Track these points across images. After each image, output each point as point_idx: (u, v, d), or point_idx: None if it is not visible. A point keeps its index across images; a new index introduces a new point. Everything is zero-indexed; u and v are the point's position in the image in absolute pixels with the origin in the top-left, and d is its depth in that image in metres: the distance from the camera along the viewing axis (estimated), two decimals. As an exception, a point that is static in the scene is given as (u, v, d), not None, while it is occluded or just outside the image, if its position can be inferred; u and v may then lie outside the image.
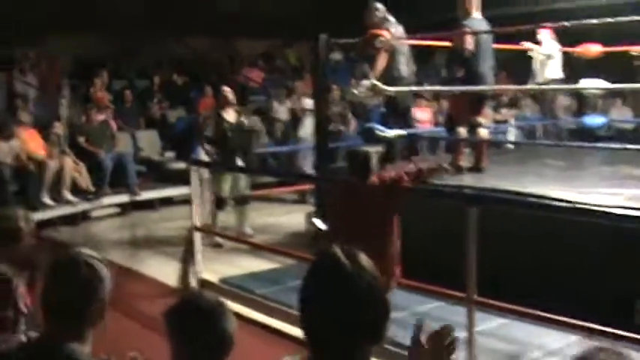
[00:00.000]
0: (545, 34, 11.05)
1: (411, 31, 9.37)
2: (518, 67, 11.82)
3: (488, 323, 5.82)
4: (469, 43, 8.01)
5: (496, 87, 8.93)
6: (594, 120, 11.26)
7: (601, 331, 4.44)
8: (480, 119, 8.43)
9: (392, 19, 9.11)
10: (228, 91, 9.97)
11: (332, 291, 1.99)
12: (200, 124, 10.75)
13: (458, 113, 8.43)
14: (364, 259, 2.06)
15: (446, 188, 6.27)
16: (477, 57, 8.05)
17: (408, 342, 2.14)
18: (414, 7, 9.70)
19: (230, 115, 9.83)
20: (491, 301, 5.18)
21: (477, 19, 8.14)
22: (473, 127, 8.30)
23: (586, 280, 5.86)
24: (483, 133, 8.49)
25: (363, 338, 2.00)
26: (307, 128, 12.57)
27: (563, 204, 5.59)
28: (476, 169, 8.22)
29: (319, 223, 6.16)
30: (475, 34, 7.99)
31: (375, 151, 5.72)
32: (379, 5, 9.11)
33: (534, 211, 5.48)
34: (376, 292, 2.03)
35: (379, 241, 4.94)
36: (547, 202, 5.52)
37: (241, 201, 9.78)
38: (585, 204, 5.49)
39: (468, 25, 8.07)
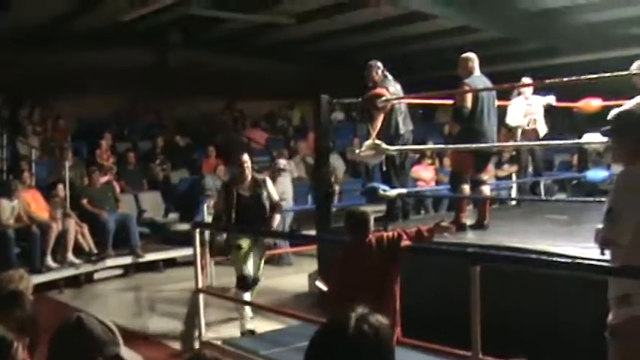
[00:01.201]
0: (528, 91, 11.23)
1: (407, 89, 9.46)
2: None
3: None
4: (468, 100, 8.09)
5: (497, 144, 8.96)
6: (597, 174, 11.25)
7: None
8: (483, 176, 8.47)
9: (390, 77, 9.22)
10: (246, 161, 8.38)
11: (333, 354, 2.00)
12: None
13: (461, 170, 8.46)
14: (376, 320, 2.09)
15: (449, 246, 6.22)
16: (478, 114, 8.11)
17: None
18: (409, 66, 9.78)
19: (245, 188, 8.34)
20: (497, 360, 5.14)
21: (477, 76, 8.22)
22: (476, 184, 8.33)
23: (592, 339, 5.82)
24: (486, 189, 8.52)
25: None
26: (284, 187, 12.66)
27: (566, 260, 5.56)
28: (479, 226, 8.23)
29: (322, 285, 6.13)
30: (475, 91, 8.06)
31: (373, 210, 5.71)
32: (379, 64, 9.23)
33: (537, 268, 5.45)
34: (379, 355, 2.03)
35: (379, 301, 4.90)
36: (550, 258, 5.47)
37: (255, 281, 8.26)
38: (587, 259, 5.45)
39: (468, 82, 8.15)
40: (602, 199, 9.24)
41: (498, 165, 14.58)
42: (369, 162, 10.08)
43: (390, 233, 5.51)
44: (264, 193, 8.37)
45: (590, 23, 14.07)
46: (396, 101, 9.06)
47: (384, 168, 9.19)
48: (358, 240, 5.41)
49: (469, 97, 8.11)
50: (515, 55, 16.23)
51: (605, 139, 7.86)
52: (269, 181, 8.62)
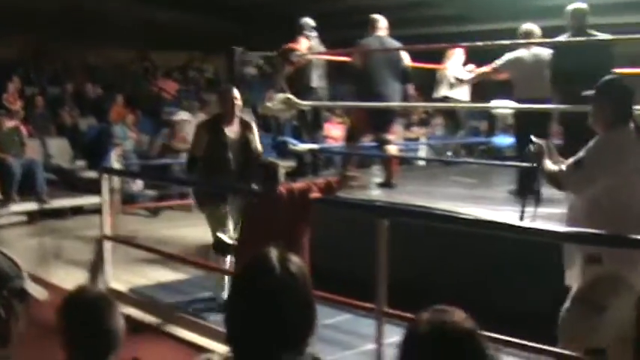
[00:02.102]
0: (458, 56, 11.30)
1: (327, 46, 9.49)
2: (432, 86, 12.01)
3: (398, 336, 5.85)
4: (357, 60, 8.23)
5: (405, 104, 9.10)
6: (503, 140, 11.48)
7: (508, 342, 4.52)
8: (388, 136, 8.59)
9: (314, 33, 9.23)
10: (236, 97, 7.11)
11: (260, 295, 2.00)
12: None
13: (356, 129, 8.61)
14: (296, 262, 2.10)
15: (358, 202, 6.31)
16: (370, 74, 8.22)
17: (320, 352, 2.16)
18: (329, 23, 9.78)
19: (232, 130, 7.11)
20: (401, 313, 5.23)
21: (376, 36, 8.36)
22: (381, 144, 8.47)
23: (496, 293, 6.00)
24: (392, 149, 8.64)
25: (287, 343, 2.01)
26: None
27: (471, 218, 5.69)
28: (387, 184, 8.35)
29: (225, 237, 6.12)
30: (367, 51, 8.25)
31: (283, 165, 5.71)
32: (305, 20, 9.23)
33: (443, 224, 5.57)
34: (305, 296, 2.06)
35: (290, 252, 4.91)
36: (455, 215, 5.60)
37: None
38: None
39: (362, 43, 8.30)
40: (508, 163, 9.55)
41: (407, 126, 14.78)
42: (280, 116, 10.08)
43: (300, 185, 5.55)
44: (253, 140, 7.17)
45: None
46: (311, 57, 9.08)
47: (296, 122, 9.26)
48: (268, 191, 5.43)
49: (358, 56, 8.28)
50: (434, 20, 16.34)
51: (513, 104, 8.17)
52: (255, 126, 7.34)
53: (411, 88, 8.91)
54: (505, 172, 8.78)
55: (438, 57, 11.40)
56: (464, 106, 11.03)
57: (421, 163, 12.31)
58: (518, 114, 8.13)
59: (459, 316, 2.05)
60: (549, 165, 4.61)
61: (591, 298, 4.20)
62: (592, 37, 7.12)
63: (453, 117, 12.63)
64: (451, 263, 6.48)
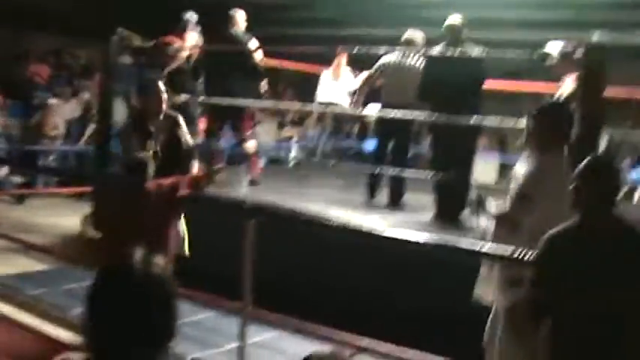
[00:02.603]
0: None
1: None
2: (306, 86, 12.10)
3: (263, 335, 5.95)
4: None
5: (279, 104, 9.20)
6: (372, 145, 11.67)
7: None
8: (246, 133, 8.67)
9: (198, 28, 9.19)
10: (162, 91, 6.23)
11: (120, 296, 1.98)
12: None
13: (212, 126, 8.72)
14: (158, 263, 2.06)
15: (226, 200, 6.30)
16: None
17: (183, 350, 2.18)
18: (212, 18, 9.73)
19: (160, 126, 6.23)
20: (266, 312, 5.29)
21: (232, 32, 8.67)
22: (240, 142, 8.56)
23: (361, 296, 6.13)
24: (250, 147, 8.71)
25: (148, 344, 1.99)
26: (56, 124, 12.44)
27: (337, 222, 5.77)
28: (250, 182, 8.46)
29: (92, 230, 6.00)
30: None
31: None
32: (190, 14, 9.19)
33: (310, 227, 5.64)
34: (167, 298, 2.04)
35: (154, 247, 4.79)
36: (322, 219, 5.68)
37: None
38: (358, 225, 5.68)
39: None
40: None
41: (280, 126, 14.85)
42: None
43: (168, 180, 5.47)
44: (182, 135, 6.42)
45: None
46: (193, 52, 9.09)
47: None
48: (136, 187, 5.35)
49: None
50: (309, 22, 16.41)
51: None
52: (182, 121, 6.56)
53: (264, 86, 8.96)
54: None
55: (317, 59, 11.51)
56: (336, 110, 11.14)
57: (292, 163, 12.41)
58: (380, 119, 8.32)
59: None
60: (496, 209, 4.52)
61: (519, 324, 4.06)
62: (463, 50, 7.32)
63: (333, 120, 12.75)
64: (318, 263, 6.55)
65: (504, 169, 11.94)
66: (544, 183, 4.22)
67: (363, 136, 13.51)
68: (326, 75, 11.32)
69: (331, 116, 12.20)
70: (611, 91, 8.24)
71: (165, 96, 6.25)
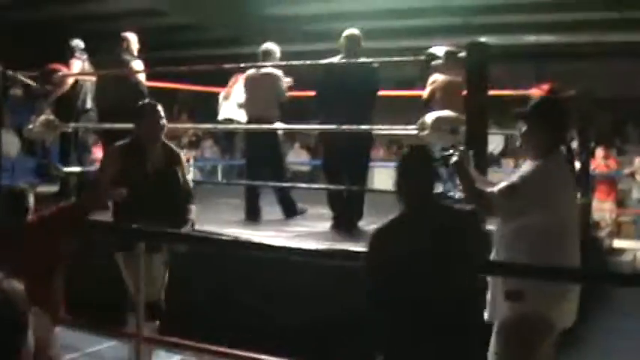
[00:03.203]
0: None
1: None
2: (201, 108, 12.03)
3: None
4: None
5: (171, 125, 9.06)
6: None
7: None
8: None
9: (84, 55, 9.07)
10: (162, 117, 5.70)
11: None
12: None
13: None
14: (10, 286, 2.03)
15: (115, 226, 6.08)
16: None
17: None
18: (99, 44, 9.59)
19: (156, 158, 5.61)
20: (160, 337, 5.16)
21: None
22: None
23: (269, 317, 6.04)
24: None
25: None
26: None
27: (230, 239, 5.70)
28: None
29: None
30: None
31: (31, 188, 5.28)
32: (76, 42, 9.06)
33: (203, 247, 5.54)
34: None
35: (41, 283, 4.54)
36: (215, 237, 5.60)
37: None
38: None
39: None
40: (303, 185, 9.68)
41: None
42: (44, 138, 9.72)
43: (51, 211, 5.15)
44: (181, 174, 5.70)
45: (275, 16, 14.50)
46: (80, 78, 8.97)
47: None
48: (16, 221, 4.90)
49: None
50: (203, 42, 16.36)
51: (283, 126, 8.31)
52: (184, 157, 5.97)
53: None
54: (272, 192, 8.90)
55: (211, 80, 11.42)
56: (231, 128, 11.03)
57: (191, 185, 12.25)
58: (248, 134, 8.38)
59: None
60: (474, 181, 4.24)
61: (516, 338, 3.95)
62: (361, 61, 7.37)
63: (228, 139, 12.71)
64: (216, 285, 6.45)
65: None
66: (540, 188, 3.98)
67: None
68: (221, 96, 11.30)
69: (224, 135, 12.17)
70: (497, 91, 8.47)
71: (163, 122, 5.64)
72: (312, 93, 7.73)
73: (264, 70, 8.18)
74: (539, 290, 3.92)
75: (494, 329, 4.05)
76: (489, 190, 4.07)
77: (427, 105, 8.60)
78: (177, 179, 5.62)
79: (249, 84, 8.30)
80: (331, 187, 7.46)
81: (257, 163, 8.31)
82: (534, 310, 3.91)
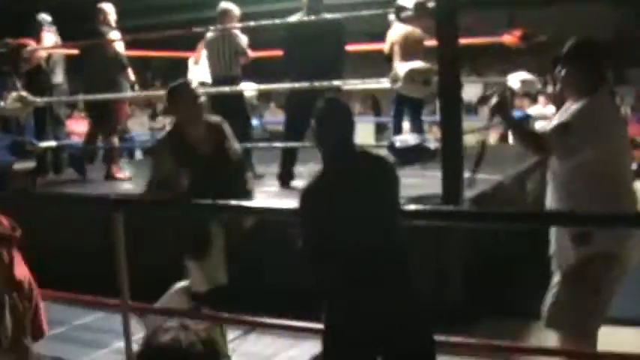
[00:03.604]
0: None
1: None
2: (175, 75, 11.91)
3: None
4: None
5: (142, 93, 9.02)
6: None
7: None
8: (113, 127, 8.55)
9: (53, 28, 8.98)
10: (200, 95, 5.28)
11: None
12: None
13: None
14: None
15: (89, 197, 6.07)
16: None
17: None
18: (65, 16, 9.47)
19: (201, 139, 5.16)
20: (147, 306, 5.15)
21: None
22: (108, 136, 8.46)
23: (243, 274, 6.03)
24: (114, 141, 8.62)
25: None
26: None
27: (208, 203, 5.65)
28: (108, 176, 8.35)
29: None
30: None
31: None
32: (43, 16, 8.99)
33: (180, 213, 5.48)
34: None
35: None
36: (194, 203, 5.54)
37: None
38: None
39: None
40: (261, 144, 9.63)
41: (153, 116, 14.69)
42: (17, 115, 9.65)
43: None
44: (230, 146, 5.30)
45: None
46: (51, 52, 8.96)
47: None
48: None
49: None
50: (174, 7, 16.17)
51: (254, 86, 8.27)
52: (227, 126, 5.36)
53: (129, 75, 8.77)
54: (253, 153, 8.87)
55: (189, 45, 11.33)
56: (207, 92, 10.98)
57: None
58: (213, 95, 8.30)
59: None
60: (517, 121, 4.26)
61: (585, 281, 3.89)
62: (324, 17, 7.30)
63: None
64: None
65: (380, 131, 12.07)
66: (592, 124, 3.88)
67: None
68: (191, 61, 11.23)
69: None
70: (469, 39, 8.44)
71: (202, 99, 5.26)
72: (280, 52, 7.68)
73: (220, 31, 8.13)
74: (606, 230, 3.90)
75: (560, 277, 4.04)
76: (540, 128, 4.00)
77: (389, 59, 8.61)
78: (228, 154, 5.25)
79: (209, 46, 8.27)
80: (301, 144, 7.38)
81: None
82: (603, 251, 3.87)
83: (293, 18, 7.44)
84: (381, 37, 9.13)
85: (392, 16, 8.34)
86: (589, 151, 3.85)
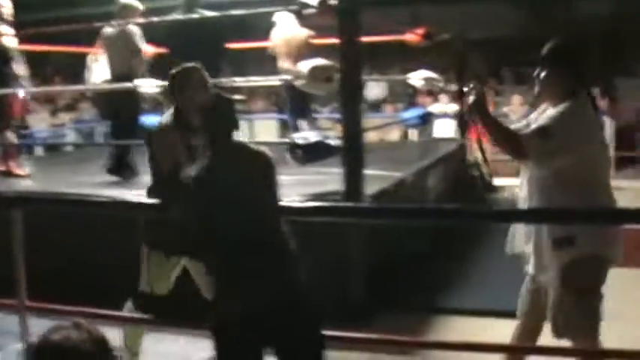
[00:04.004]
0: None
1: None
2: (76, 71, 11.71)
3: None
4: None
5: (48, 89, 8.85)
6: (151, 119, 11.45)
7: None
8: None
9: (8, 19, 8.72)
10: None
11: None
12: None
13: None
14: None
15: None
16: None
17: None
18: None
19: None
20: (45, 305, 5.04)
21: None
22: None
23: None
24: (11, 136, 8.43)
25: None
26: None
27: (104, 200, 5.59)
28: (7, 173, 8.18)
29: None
30: None
31: None
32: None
33: (77, 208, 5.42)
34: None
35: None
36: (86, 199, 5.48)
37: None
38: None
39: None
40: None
41: (54, 112, 14.44)
42: None
43: None
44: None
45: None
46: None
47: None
48: None
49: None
50: (76, 2, 15.88)
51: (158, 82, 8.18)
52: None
53: (19, 68, 8.52)
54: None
55: (82, 40, 11.13)
56: (109, 88, 10.82)
57: (69, 148, 12.05)
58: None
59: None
60: (497, 121, 4.03)
61: (581, 285, 3.82)
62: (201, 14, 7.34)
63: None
64: (93, 250, 6.35)
65: (285, 128, 12.04)
66: (573, 128, 3.81)
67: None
68: (89, 59, 11.06)
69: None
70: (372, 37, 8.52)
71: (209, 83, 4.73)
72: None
73: (117, 27, 7.96)
74: (590, 231, 3.84)
75: (548, 288, 3.96)
76: (516, 131, 3.93)
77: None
78: None
79: (106, 42, 8.11)
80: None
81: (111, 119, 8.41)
82: (589, 252, 3.83)
83: (173, 16, 7.43)
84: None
85: (275, 17, 8.62)
86: (568, 156, 3.80)
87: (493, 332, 5.34)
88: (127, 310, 4.88)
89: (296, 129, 8.79)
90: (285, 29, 8.60)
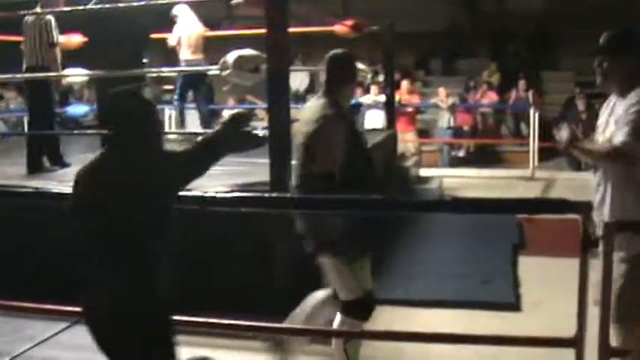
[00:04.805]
0: None
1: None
2: (6, 60, 11.50)
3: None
4: None
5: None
6: (78, 109, 11.34)
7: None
8: None
9: None
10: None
11: None
12: None
13: None
14: None
15: None
16: None
17: None
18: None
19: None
20: (10, 303, 4.95)
21: None
22: None
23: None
24: None
25: None
26: None
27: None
28: None
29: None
30: None
31: None
32: None
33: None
34: None
35: None
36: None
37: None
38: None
39: None
40: (88, 131, 9.48)
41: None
42: None
43: None
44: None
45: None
46: None
47: None
48: None
49: None
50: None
51: (84, 72, 8.07)
52: None
53: None
54: (82, 140, 8.69)
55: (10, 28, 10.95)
56: (36, 76, 10.67)
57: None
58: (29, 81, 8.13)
59: None
60: (591, 145, 3.96)
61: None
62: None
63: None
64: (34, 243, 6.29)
65: (214, 117, 12.00)
66: None
67: (65, 101, 13.04)
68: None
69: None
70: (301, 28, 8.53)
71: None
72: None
73: (34, 16, 7.82)
74: None
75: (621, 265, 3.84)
76: (614, 143, 3.80)
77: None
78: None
79: (25, 31, 7.91)
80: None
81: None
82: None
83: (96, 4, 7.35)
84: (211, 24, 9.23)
85: (175, 10, 9.16)
86: None
87: (412, 321, 5.51)
88: (341, 325, 4.50)
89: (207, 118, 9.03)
90: (187, 22, 9.25)
